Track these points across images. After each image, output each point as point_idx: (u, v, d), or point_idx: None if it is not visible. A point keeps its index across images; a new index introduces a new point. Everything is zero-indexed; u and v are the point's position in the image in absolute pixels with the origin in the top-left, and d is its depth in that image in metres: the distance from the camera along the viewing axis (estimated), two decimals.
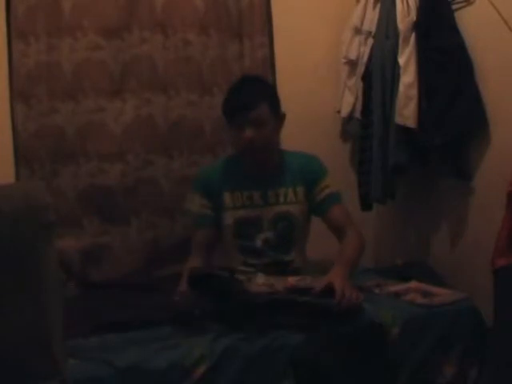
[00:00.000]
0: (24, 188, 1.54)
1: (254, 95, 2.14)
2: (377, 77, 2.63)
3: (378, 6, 2.68)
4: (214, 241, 2.27)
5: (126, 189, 2.65)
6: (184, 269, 2.12)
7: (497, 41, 2.31)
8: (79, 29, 2.57)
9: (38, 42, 2.52)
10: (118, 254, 2.63)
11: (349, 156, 3.07)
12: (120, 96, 2.65)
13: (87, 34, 2.58)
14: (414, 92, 2.44)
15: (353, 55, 2.83)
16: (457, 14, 2.45)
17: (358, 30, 2.80)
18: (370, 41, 2.72)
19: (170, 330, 1.94)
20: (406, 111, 2.46)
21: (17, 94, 2.51)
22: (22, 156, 2.53)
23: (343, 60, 2.87)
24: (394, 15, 2.52)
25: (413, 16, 2.44)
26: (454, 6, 2.46)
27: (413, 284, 2.34)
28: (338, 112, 2.95)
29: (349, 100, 2.87)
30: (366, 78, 2.72)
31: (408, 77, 2.45)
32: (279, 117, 2.22)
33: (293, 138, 2.54)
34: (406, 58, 2.45)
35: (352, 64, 2.84)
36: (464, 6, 2.44)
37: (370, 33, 2.73)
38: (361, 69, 2.77)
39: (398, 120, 2.49)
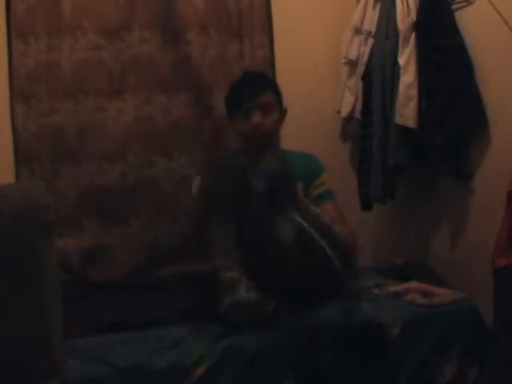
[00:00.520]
0: (24, 188, 1.54)
1: (261, 83, 2.25)
2: (377, 77, 2.63)
3: (378, 6, 2.68)
4: None
5: (126, 189, 2.65)
6: None
7: (497, 41, 2.31)
8: (79, 29, 2.57)
9: (37, 42, 2.52)
10: (118, 254, 2.63)
11: (349, 156, 3.07)
12: (120, 96, 2.65)
13: (87, 34, 2.58)
14: (414, 92, 2.44)
15: (353, 55, 2.83)
16: (457, 14, 2.45)
17: (358, 30, 2.79)
18: (370, 41, 2.72)
19: (170, 329, 1.94)
20: (406, 111, 2.46)
21: (17, 94, 2.52)
22: (22, 156, 2.54)
23: (343, 60, 2.87)
24: (394, 15, 2.52)
25: (413, 16, 2.44)
26: (454, 6, 2.46)
27: (413, 284, 2.34)
28: (338, 112, 2.94)
29: (349, 100, 2.87)
30: (366, 78, 2.72)
31: (408, 77, 2.45)
32: (282, 109, 2.26)
33: (293, 137, 2.54)
34: (406, 58, 2.45)
35: (352, 64, 2.84)
36: (464, 6, 2.44)
37: (370, 33, 2.73)
38: (361, 69, 2.77)
39: (398, 120, 2.49)
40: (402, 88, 2.47)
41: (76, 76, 2.58)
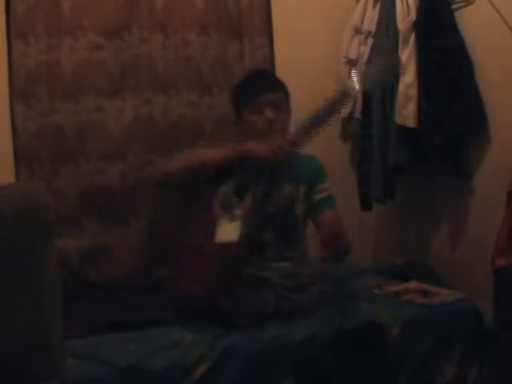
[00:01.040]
0: (24, 188, 1.54)
1: (274, 80, 2.30)
2: None
3: (378, 5, 2.68)
4: None
5: (126, 189, 2.65)
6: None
7: (497, 41, 2.31)
8: (79, 29, 2.57)
9: (38, 42, 2.52)
10: (118, 254, 2.63)
11: (349, 156, 3.06)
12: (120, 96, 2.65)
13: (87, 34, 2.58)
14: (414, 92, 2.44)
15: (353, 55, 2.82)
16: (457, 14, 2.45)
17: (357, 30, 2.80)
18: (370, 40, 2.72)
19: (170, 329, 1.94)
20: (406, 111, 2.46)
21: (17, 94, 2.51)
22: (22, 156, 2.53)
23: (343, 60, 2.87)
24: (394, 15, 2.52)
25: (413, 16, 2.45)
26: (454, 6, 2.46)
27: (413, 284, 2.34)
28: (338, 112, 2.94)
29: None
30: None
31: (408, 77, 2.45)
32: (290, 110, 2.27)
33: None
34: (406, 57, 2.45)
35: (352, 64, 2.84)
36: (464, 6, 2.44)
37: (369, 32, 2.73)
38: (361, 69, 2.77)
39: (398, 120, 2.49)
40: (401, 88, 2.47)
41: (76, 76, 2.58)
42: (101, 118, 2.62)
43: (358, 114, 2.82)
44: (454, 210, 2.61)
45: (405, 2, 2.48)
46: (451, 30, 2.43)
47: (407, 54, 2.45)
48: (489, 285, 2.01)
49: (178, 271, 2.03)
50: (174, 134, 2.72)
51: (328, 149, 2.82)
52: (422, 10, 2.44)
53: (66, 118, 2.58)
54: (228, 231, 1.96)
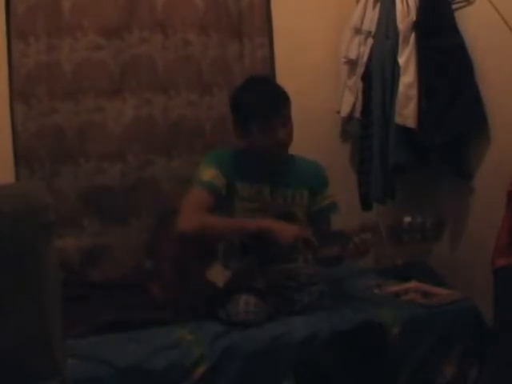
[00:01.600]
0: (24, 188, 1.54)
1: (281, 96, 2.13)
2: (377, 77, 2.63)
3: (378, 5, 2.68)
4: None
5: (126, 189, 2.65)
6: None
7: (497, 41, 2.31)
8: (79, 29, 2.57)
9: (38, 42, 2.51)
10: (118, 254, 2.63)
11: (349, 156, 3.06)
12: (120, 96, 2.65)
13: (87, 34, 2.58)
14: (414, 92, 2.44)
15: (353, 55, 2.82)
16: (457, 14, 2.45)
17: (357, 30, 2.80)
18: (370, 41, 2.72)
19: (170, 329, 1.94)
20: (406, 111, 2.46)
21: (17, 94, 2.51)
22: (22, 156, 2.53)
23: (343, 60, 2.87)
24: (394, 15, 2.52)
25: (413, 16, 2.44)
26: (454, 6, 2.46)
27: (413, 284, 2.34)
28: (338, 112, 2.94)
29: (349, 100, 2.87)
30: (366, 77, 2.72)
31: (408, 77, 2.45)
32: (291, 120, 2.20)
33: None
34: (406, 57, 2.45)
35: (352, 64, 2.84)
36: (464, 6, 2.44)
37: (369, 33, 2.73)
38: (361, 69, 2.77)
39: (398, 120, 2.49)
40: (401, 88, 2.47)
41: (76, 76, 2.58)
42: (101, 118, 2.62)
43: (358, 114, 2.83)
44: (454, 210, 2.60)
45: (405, 2, 2.48)
46: (451, 29, 2.43)
47: (407, 54, 2.45)
48: (489, 285, 2.01)
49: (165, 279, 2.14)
50: (174, 134, 2.72)
51: (328, 149, 2.82)
52: (422, 9, 2.44)
53: (66, 117, 2.58)
54: (218, 274, 2.06)
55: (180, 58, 2.73)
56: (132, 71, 2.66)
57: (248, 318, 1.95)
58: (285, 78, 2.82)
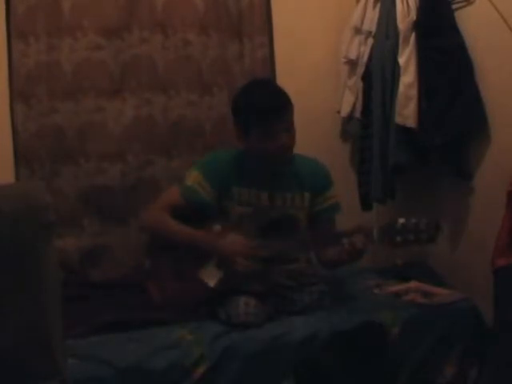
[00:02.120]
0: (24, 188, 1.54)
1: (284, 101, 2.10)
2: (377, 77, 2.63)
3: (378, 5, 2.68)
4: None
5: (126, 189, 2.65)
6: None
7: (497, 41, 2.31)
8: (79, 29, 2.57)
9: (38, 42, 2.52)
10: (118, 254, 2.63)
11: (349, 156, 3.06)
12: (120, 96, 2.65)
13: (87, 34, 2.58)
14: (414, 92, 2.44)
15: (353, 55, 2.82)
16: (457, 14, 2.45)
17: (357, 30, 2.79)
18: (370, 40, 2.72)
19: (170, 329, 1.94)
20: (406, 111, 2.46)
21: (17, 94, 2.51)
22: (22, 156, 2.54)
23: (343, 60, 2.87)
24: (394, 15, 2.52)
25: (413, 16, 2.44)
26: (454, 6, 2.45)
27: (413, 284, 2.34)
28: (338, 112, 2.94)
29: (349, 100, 2.87)
30: (366, 77, 2.72)
31: (408, 77, 2.45)
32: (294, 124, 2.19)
33: None
34: (406, 57, 2.45)
35: (352, 64, 2.84)
36: (464, 6, 2.44)
37: (370, 32, 2.73)
38: (361, 69, 2.77)
39: (398, 120, 2.49)
40: (401, 88, 2.47)
41: (76, 76, 2.58)
42: (101, 118, 2.62)
43: (358, 114, 2.83)
44: (454, 210, 2.60)
45: (405, 2, 2.48)
46: (451, 29, 2.43)
47: (407, 54, 2.45)
48: (489, 285, 2.01)
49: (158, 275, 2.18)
50: (174, 134, 2.72)
51: (328, 149, 2.82)
52: (422, 9, 2.43)
53: (66, 118, 2.58)
54: (210, 274, 2.08)
55: (180, 58, 2.73)
56: (132, 71, 2.66)
57: (248, 320, 1.95)
58: (285, 78, 2.83)
